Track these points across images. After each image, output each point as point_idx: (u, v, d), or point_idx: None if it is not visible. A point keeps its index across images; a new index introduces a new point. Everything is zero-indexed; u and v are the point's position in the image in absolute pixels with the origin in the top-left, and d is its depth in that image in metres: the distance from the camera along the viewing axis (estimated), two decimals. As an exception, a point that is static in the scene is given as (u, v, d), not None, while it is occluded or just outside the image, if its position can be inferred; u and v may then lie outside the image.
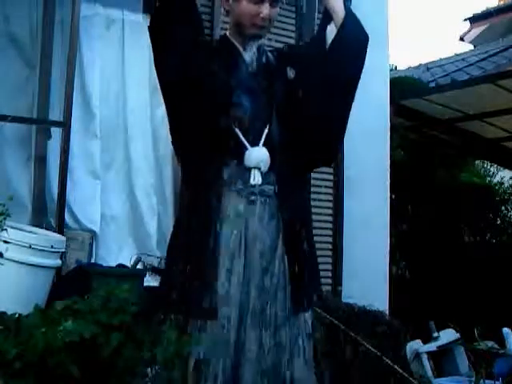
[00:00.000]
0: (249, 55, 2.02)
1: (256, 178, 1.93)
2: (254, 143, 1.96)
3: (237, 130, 1.94)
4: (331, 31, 1.98)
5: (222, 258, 1.91)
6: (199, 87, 1.90)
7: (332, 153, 2.19)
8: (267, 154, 1.95)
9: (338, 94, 1.98)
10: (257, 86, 2.01)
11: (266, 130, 1.97)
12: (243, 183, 1.94)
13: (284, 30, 4.14)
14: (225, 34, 2.10)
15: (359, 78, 2.01)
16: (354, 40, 1.98)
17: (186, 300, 1.94)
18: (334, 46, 1.96)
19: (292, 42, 3.91)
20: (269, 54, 2.09)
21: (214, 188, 1.93)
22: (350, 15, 1.96)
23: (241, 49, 2.02)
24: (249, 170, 1.94)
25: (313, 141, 2.00)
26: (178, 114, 1.98)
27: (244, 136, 1.95)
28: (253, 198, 1.94)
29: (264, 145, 1.96)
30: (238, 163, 1.95)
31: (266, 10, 1.94)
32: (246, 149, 1.94)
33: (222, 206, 1.93)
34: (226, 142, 1.95)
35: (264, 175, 1.95)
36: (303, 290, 2.01)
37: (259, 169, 1.94)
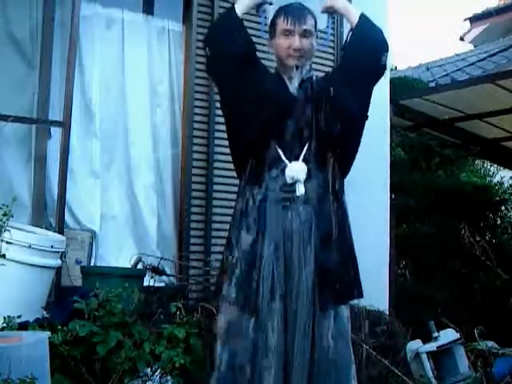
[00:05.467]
0: (292, 83, 2.28)
1: (300, 191, 2.18)
2: (294, 159, 2.21)
3: (278, 149, 2.22)
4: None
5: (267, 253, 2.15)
6: (249, 103, 2.21)
7: (347, 170, 2.37)
8: (305, 167, 2.20)
9: (359, 93, 2.28)
10: (299, 110, 2.25)
11: (306, 147, 2.22)
12: (283, 192, 2.20)
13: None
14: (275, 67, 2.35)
15: (377, 74, 2.30)
16: (369, 38, 2.27)
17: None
18: (349, 45, 2.28)
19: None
20: (314, 78, 2.33)
21: (258, 198, 2.21)
22: (363, 17, 2.28)
23: (285, 78, 2.28)
24: (292, 183, 2.19)
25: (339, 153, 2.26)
26: (235, 129, 2.29)
27: (284, 153, 2.22)
28: (287, 203, 2.19)
29: (303, 160, 2.21)
30: (279, 176, 2.21)
31: (295, 41, 2.21)
32: (286, 165, 2.20)
33: (266, 212, 2.19)
34: (270, 159, 2.22)
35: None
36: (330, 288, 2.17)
37: (301, 181, 2.19)
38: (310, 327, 2.10)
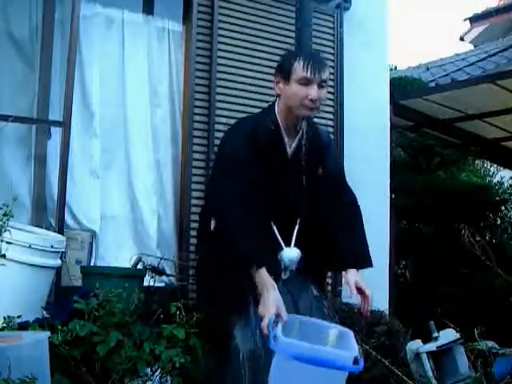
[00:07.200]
0: (290, 147, 2.23)
1: (286, 275, 2.20)
2: (288, 238, 2.20)
3: (274, 228, 2.18)
4: None
5: None
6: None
7: None
8: (298, 254, 2.19)
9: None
10: (292, 182, 2.23)
11: (297, 226, 2.22)
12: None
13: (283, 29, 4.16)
14: (276, 116, 2.22)
15: None
16: None
17: None
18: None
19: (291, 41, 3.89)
20: (309, 137, 2.27)
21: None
22: None
23: (286, 139, 2.22)
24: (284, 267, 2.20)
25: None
26: None
27: (279, 231, 2.18)
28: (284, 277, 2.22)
29: (296, 239, 2.21)
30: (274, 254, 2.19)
31: (313, 91, 2.11)
32: (282, 248, 2.18)
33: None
34: (267, 237, 2.15)
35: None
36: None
37: (291, 268, 2.20)
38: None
